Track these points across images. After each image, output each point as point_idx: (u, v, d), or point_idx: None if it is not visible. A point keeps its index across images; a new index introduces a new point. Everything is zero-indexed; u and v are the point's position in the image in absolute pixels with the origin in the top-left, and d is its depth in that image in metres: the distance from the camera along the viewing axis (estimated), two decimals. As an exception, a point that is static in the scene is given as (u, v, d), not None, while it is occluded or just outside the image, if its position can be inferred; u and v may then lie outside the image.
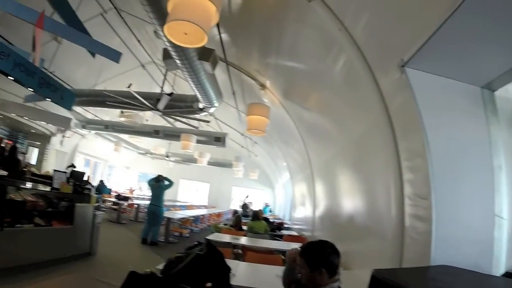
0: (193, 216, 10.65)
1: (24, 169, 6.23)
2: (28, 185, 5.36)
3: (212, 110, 7.43)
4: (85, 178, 6.01)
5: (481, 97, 2.56)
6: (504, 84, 2.47)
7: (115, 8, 6.76)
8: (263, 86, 6.64)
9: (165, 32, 2.66)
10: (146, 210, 9.30)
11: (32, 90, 3.49)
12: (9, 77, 3.39)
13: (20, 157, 6.52)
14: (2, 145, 8.03)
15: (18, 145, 10.50)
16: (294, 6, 3.84)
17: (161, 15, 3.60)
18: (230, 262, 3.02)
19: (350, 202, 4.66)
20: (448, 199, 2.34)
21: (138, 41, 7.94)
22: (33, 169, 8.11)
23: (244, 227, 7.34)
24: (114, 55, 4.09)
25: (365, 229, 3.90)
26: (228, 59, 6.06)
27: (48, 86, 3.58)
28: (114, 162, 19.49)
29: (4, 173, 4.99)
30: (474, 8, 1.77)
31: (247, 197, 18.27)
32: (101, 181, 13.55)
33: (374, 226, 3.63)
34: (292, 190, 11.24)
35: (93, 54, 5.00)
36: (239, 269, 3.33)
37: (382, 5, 2.72)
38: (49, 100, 3.85)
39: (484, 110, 2.54)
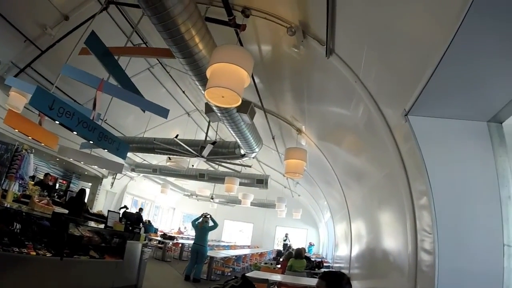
0: (235, 255, 10.86)
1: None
2: (86, 223, 6.03)
3: (253, 155, 7.80)
4: (138, 219, 6.60)
5: (487, 131, 2.68)
6: (512, 113, 2.51)
7: (160, 63, 7.76)
8: (299, 131, 7.03)
9: (206, 96, 3.03)
10: (190, 249, 9.74)
11: (92, 142, 4.11)
12: (73, 132, 3.98)
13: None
14: (50, 183, 9.13)
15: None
16: (316, 60, 4.25)
17: (200, 73, 4.14)
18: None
19: (378, 241, 4.75)
20: (451, 233, 2.48)
21: (183, 91, 8.72)
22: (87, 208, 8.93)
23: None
24: (163, 112, 4.51)
25: (389, 265, 4.00)
26: (266, 107, 6.58)
27: (106, 139, 4.18)
28: (160, 203, 20.40)
29: (65, 211, 5.72)
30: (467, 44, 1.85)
31: (286, 236, 18.13)
32: (148, 221, 14.23)
33: (395, 262, 3.73)
34: (333, 229, 11.17)
35: (143, 110, 5.66)
36: (269, 301, 3.54)
37: (386, 59, 3.04)
38: (106, 150, 4.42)
39: (491, 143, 2.64)
